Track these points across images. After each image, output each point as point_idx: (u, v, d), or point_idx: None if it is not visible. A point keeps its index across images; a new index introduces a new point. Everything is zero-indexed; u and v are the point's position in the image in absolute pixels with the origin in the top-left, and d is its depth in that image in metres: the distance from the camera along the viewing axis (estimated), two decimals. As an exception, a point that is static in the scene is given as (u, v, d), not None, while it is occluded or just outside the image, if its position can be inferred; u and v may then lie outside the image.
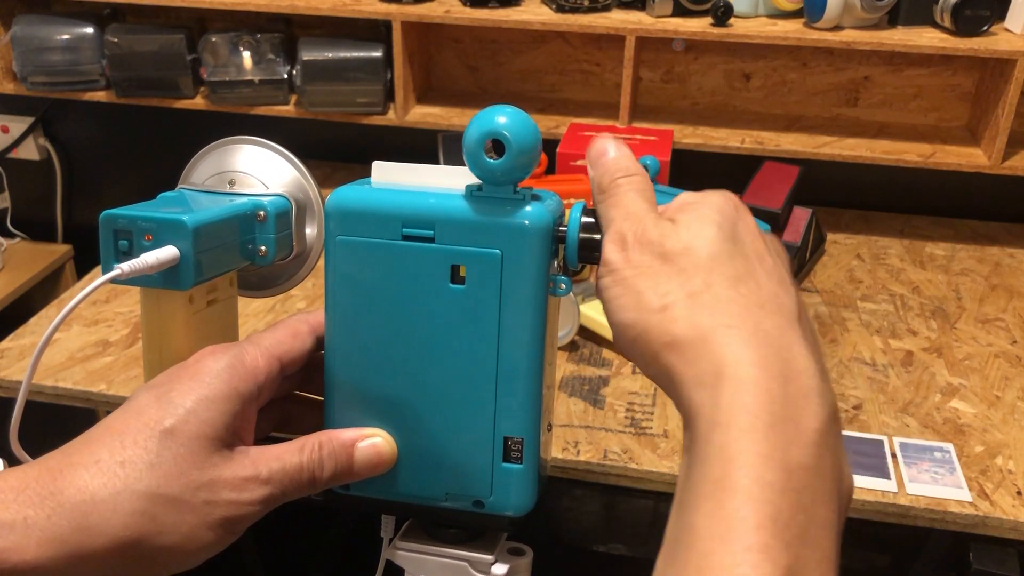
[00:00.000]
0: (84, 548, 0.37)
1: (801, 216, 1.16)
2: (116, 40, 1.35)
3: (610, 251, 0.40)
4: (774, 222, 1.10)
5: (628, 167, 0.42)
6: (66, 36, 1.37)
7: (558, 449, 0.83)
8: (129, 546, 0.38)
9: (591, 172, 0.43)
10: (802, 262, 1.18)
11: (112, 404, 0.91)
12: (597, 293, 0.41)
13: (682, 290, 0.37)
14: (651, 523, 0.87)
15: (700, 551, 0.31)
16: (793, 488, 0.32)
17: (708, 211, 0.39)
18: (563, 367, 0.96)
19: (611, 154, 0.43)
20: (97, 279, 0.44)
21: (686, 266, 0.37)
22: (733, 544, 0.30)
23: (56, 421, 0.81)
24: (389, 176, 0.44)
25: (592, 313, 0.98)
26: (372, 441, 0.44)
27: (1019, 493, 0.79)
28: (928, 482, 0.80)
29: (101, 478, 0.38)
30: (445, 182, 0.43)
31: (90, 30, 1.37)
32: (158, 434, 0.39)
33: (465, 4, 1.26)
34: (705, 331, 0.35)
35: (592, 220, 0.43)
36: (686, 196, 0.41)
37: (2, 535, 0.36)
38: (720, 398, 0.34)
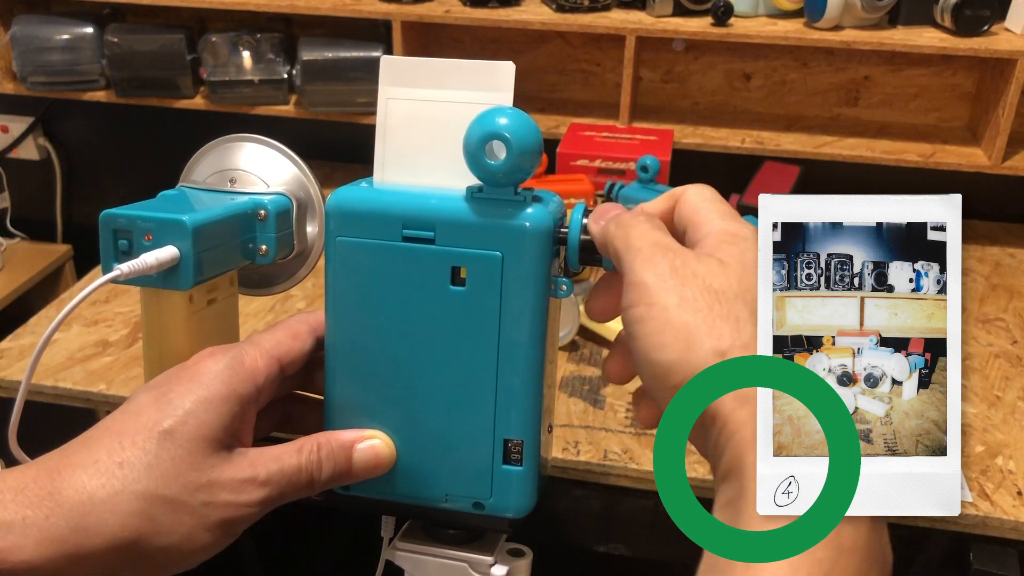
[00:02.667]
0: (82, 548, 0.37)
1: (801, 216, 1.16)
2: (116, 40, 1.35)
3: (647, 275, 0.36)
4: (774, 222, 1.09)
5: (639, 212, 0.40)
6: (66, 36, 1.37)
7: (558, 449, 0.83)
8: (127, 547, 0.38)
9: (596, 226, 0.41)
10: (802, 262, 1.18)
11: (112, 404, 0.91)
12: (626, 324, 0.37)
13: (738, 337, 0.34)
14: (651, 523, 0.87)
15: None
16: (842, 569, 0.31)
17: (754, 255, 0.36)
18: (563, 367, 0.96)
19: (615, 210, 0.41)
20: (97, 279, 0.44)
21: (740, 314, 0.34)
22: None
23: (56, 421, 0.81)
24: (400, 72, 0.43)
25: (592, 313, 0.98)
26: (371, 443, 0.44)
27: (1019, 493, 0.79)
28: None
29: (99, 479, 0.38)
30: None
31: (90, 30, 1.36)
32: (156, 435, 0.39)
33: (465, 4, 1.26)
34: None
35: None
36: (719, 232, 0.37)
37: (0, 535, 0.36)
38: None
